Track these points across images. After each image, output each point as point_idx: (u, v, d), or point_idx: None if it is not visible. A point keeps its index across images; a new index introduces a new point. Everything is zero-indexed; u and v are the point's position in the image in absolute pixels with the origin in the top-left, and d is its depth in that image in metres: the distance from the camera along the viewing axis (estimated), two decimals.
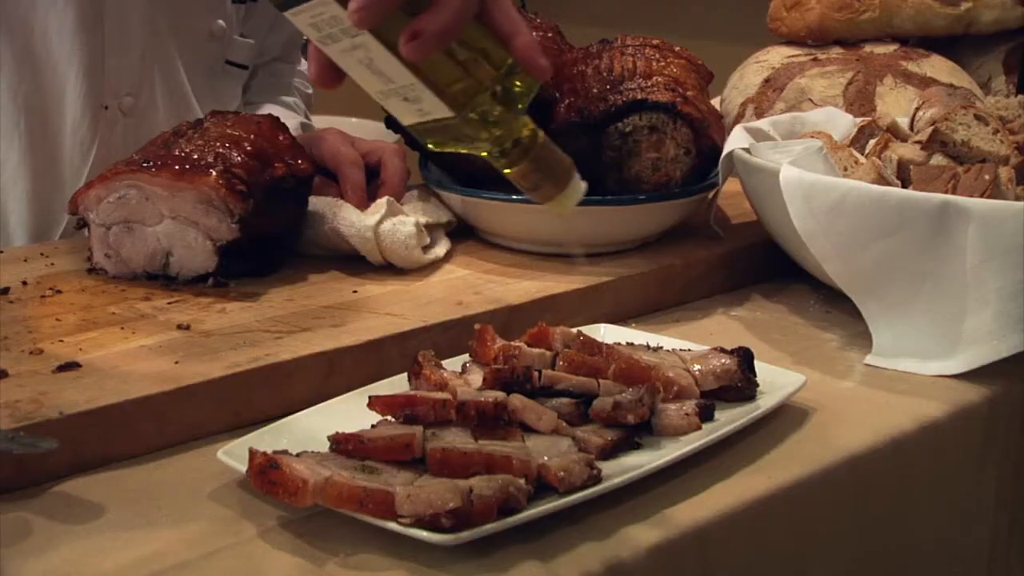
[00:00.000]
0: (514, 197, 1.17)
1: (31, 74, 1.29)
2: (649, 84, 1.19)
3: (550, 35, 1.35)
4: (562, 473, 0.76)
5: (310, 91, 1.67)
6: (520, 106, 0.79)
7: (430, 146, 0.81)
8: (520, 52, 0.78)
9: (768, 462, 0.87)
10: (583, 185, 0.82)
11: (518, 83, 0.79)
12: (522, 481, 0.75)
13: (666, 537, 0.77)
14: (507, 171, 0.80)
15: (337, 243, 1.14)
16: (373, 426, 0.83)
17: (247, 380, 0.90)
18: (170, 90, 1.39)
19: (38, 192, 1.33)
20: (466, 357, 0.94)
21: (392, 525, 0.72)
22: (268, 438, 0.82)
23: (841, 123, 1.25)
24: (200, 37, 1.41)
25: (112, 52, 1.31)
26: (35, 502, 0.79)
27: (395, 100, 0.78)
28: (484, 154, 0.79)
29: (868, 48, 1.45)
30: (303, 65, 1.65)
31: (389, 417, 0.84)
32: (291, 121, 1.46)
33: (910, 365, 1.02)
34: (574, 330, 0.96)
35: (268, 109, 1.51)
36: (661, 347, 0.97)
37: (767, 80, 1.43)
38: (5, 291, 1.06)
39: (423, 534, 0.71)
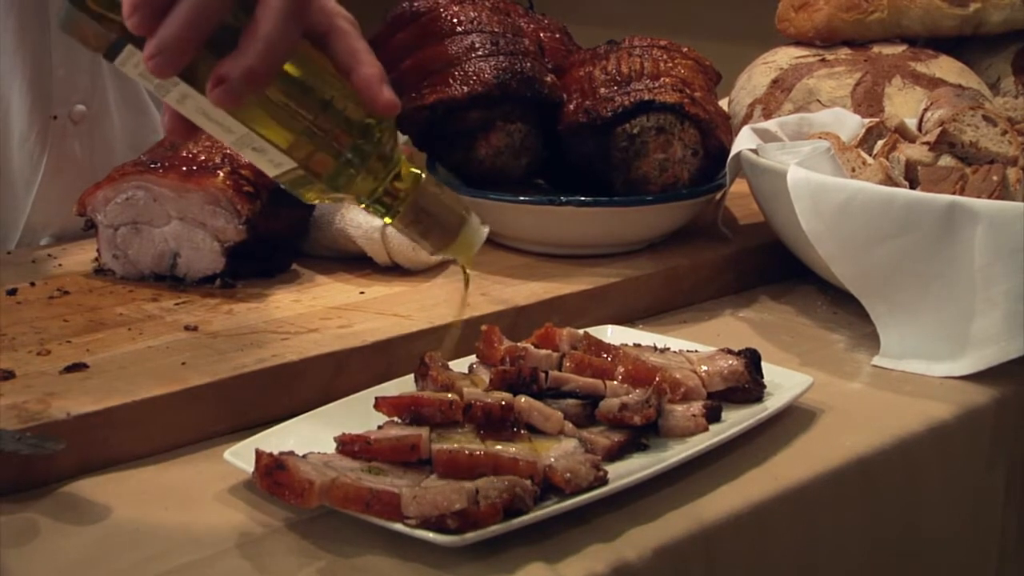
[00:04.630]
0: (521, 198, 1.17)
1: None
2: (657, 85, 1.19)
3: (558, 36, 1.35)
4: (568, 474, 0.76)
5: None
6: (383, 149, 0.72)
7: (306, 199, 0.74)
8: (359, 87, 0.71)
9: (775, 463, 0.87)
10: (483, 230, 0.77)
11: (370, 122, 0.72)
12: (528, 482, 0.75)
13: (672, 538, 0.77)
14: (387, 221, 0.74)
15: (344, 244, 1.14)
16: (379, 427, 0.83)
17: (254, 381, 0.90)
18: (124, 96, 1.35)
19: None
20: (473, 358, 0.94)
21: (398, 526, 0.72)
22: (274, 439, 0.82)
23: (849, 124, 1.25)
24: None
25: (61, 62, 1.27)
26: (42, 503, 0.80)
27: (247, 151, 0.72)
28: (362, 205, 0.74)
29: (876, 49, 1.44)
30: None
31: (395, 418, 0.84)
32: None
33: (918, 366, 1.02)
34: (581, 331, 0.95)
35: None
36: (668, 348, 0.97)
37: (775, 81, 1.43)
38: (13, 292, 1.07)
39: (429, 535, 0.71)
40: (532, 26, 1.30)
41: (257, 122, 0.70)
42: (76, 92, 1.30)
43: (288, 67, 0.69)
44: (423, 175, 0.74)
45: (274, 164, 0.71)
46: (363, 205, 0.74)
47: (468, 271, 0.81)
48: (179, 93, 0.69)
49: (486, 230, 0.77)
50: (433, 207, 0.74)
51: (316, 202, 0.73)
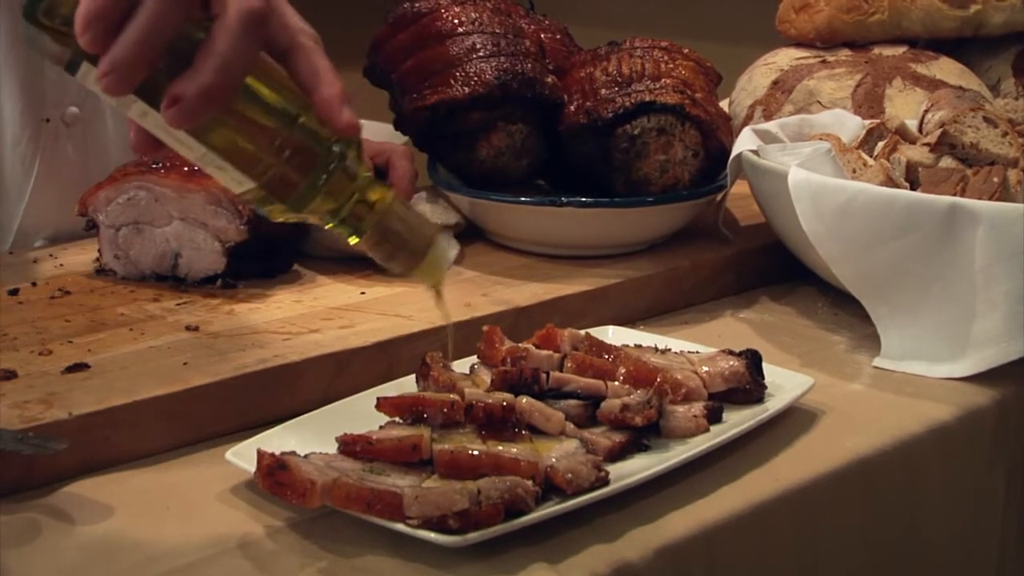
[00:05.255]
0: (523, 199, 1.17)
1: None
2: (657, 86, 1.19)
3: (559, 37, 1.35)
4: (570, 475, 0.76)
5: None
6: (346, 169, 0.71)
7: (272, 218, 0.73)
8: (318, 107, 0.69)
9: (776, 464, 0.87)
10: (453, 251, 0.75)
11: (333, 142, 0.70)
12: (530, 483, 0.75)
13: (674, 539, 0.77)
14: (352, 241, 0.73)
15: (345, 245, 1.13)
16: (381, 427, 0.83)
17: (255, 381, 0.90)
18: None
19: None
20: (474, 359, 0.94)
21: (400, 526, 0.72)
22: (276, 439, 0.82)
23: (850, 125, 1.25)
24: None
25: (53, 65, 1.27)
26: (44, 502, 0.80)
27: (211, 169, 0.70)
28: (328, 225, 0.72)
29: (877, 50, 1.44)
30: None
31: (397, 418, 0.84)
32: None
33: (918, 368, 1.02)
34: (582, 332, 0.96)
35: None
36: (669, 349, 0.97)
37: (775, 82, 1.43)
38: (14, 292, 1.07)
39: (431, 535, 0.72)
40: (533, 27, 1.30)
41: (216, 141, 0.69)
42: (68, 95, 1.29)
43: (247, 85, 0.68)
44: (390, 195, 0.73)
45: (236, 182, 0.70)
46: (329, 225, 0.72)
47: (437, 291, 0.79)
48: (139, 109, 0.68)
49: (455, 251, 0.75)
50: (400, 227, 0.73)
51: (282, 220, 0.72)
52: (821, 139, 1.18)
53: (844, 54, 1.45)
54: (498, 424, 0.82)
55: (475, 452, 0.77)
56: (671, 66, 1.22)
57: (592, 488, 0.77)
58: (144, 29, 0.64)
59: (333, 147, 0.70)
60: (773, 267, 1.23)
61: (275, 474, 0.75)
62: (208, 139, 0.68)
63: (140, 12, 0.64)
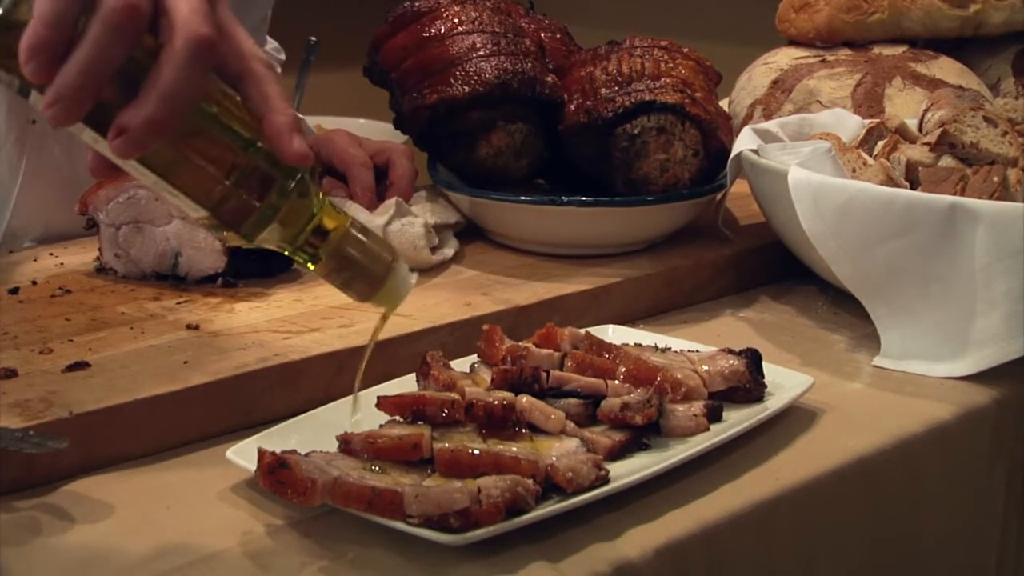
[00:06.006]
0: (522, 198, 1.17)
1: None
2: (657, 85, 1.19)
3: (559, 36, 1.35)
4: (570, 474, 0.76)
5: (278, 69, 1.63)
6: (299, 198, 0.69)
7: (231, 244, 0.73)
8: (268, 136, 0.68)
9: (776, 463, 0.87)
10: (411, 279, 0.74)
11: (284, 171, 0.69)
12: (530, 481, 0.75)
13: (674, 538, 0.77)
14: (310, 268, 0.72)
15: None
16: (381, 426, 0.83)
17: (256, 380, 0.90)
18: None
19: None
20: (474, 358, 0.94)
21: (400, 525, 0.73)
22: (277, 438, 0.82)
23: (849, 125, 1.25)
24: None
25: None
26: (44, 501, 0.80)
27: (165, 195, 0.69)
28: (286, 252, 0.71)
29: (877, 50, 1.44)
30: (269, 45, 1.60)
31: (397, 417, 0.84)
32: None
33: (918, 367, 1.02)
34: (582, 331, 0.96)
35: None
36: (669, 348, 0.97)
37: (775, 81, 1.43)
38: (15, 291, 1.07)
39: (431, 534, 0.72)
40: (533, 26, 1.30)
41: (167, 169, 0.67)
42: None
43: (199, 112, 0.67)
44: (346, 222, 0.71)
45: (191, 209, 0.69)
46: (286, 252, 0.71)
47: (386, 317, 0.78)
48: (90, 136, 0.67)
49: (414, 279, 0.74)
50: (357, 255, 0.72)
51: (239, 245, 0.71)
52: (821, 138, 1.18)
53: (844, 53, 1.45)
54: (498, 423, 0.82)
55: (475, 451, 0.78)
56: (671, 65, 1.22)
57: (592, 487, 0.77)
58: (86, 60, 0.62)
59: (288, 174, 0.69)
60: (773, 266, 1.23)
61: (276, 473, 0.75)
62: (159, 167, 0.67)
63: (83, 42, 0.63)
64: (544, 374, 0.87)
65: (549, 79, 1.22)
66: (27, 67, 0.63)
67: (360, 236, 0.72)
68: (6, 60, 0.64)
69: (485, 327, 0.95)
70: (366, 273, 0.72)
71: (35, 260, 1.16)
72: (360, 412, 0.82)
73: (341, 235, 0.71)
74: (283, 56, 1.64)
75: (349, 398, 0.88)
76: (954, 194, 1.04)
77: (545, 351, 0.92)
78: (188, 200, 0.69)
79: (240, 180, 0.68)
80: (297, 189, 0.69)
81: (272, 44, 1.61)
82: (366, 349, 0.80)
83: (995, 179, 1.06)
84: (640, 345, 0.97)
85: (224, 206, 0.68)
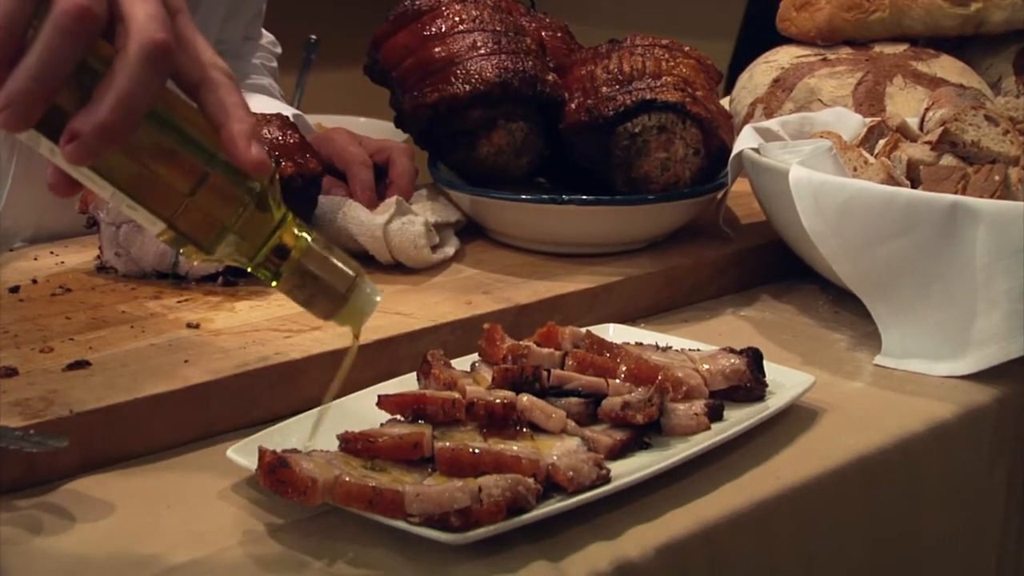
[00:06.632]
0: (523, 197, 1.17)
1: None
2: (658, 84, 1.19)
3: (559, 35, 1.35)
4: (571, 473, 0.76)
5: (274, 64, 1.62)
6: (259, 211, 0.67)
7: (191, 259, 0.70)
8: (225, 145, 0.66)
9: (777, 462, 0.87)
10: (376, 297, 0.71)
11: (244, 182, 0.67)
12: (531, 481, 0.75)
13: (674, 537, 0.77)
14: (273, 284, 0.69)
15: (346, 242, 1.14)
16: (382, 425, 0.83)
17: (256, 379, 0.90)
18: None
19: None
20: (475, 356, 0.94)
21: (401, 524, 0.73)
22: (277, 437, 0.82)
23: (850, 123, 1.25)
24: None
25: None
26: (45, 500, 0.80)
27: (124, 208, 0.67)
28: (248, 268, 0.69)
29: (878, 48, 1.44)
30: (265, 39, 1.59)
31: (398, 416, 0.84)
32: (286, 111, 1.43)
33: (919, 366, 1.02)
34: (583, 330, 0.96)
35: (251, 100, 1.47)
36: (670, 347, 0.97)
37: (776, 80, 1.43)
38: (15, 289, 1.07)
39: (432, 533, 0.72)
40: (534, 25, 1.30)
41: (124, 180, 0.66)
42: None
43: (156, 121, 0.65)
44: (310, 237, 0.69)
45: (149, 222, 0.67)
46: (248, 268, 0.69)
47: (356, 340, 0.75)
48: (47, 146, 0.65)
49: (379, 297, 0.72)
50: (320, 271, 0.69)
51: (198, 262, 0.69)
52: (822, 137, 1.18)
53: (845, 52, 1.45)
54: (499, 422, 0.82)
55: (476, 450, 0.78)
56: (672, 64, 1.22)
57: (593, 486, 0.77)
58: (37, 64, 0.61)
59: (247, 187, 0.67)
60: (774, 265, 1.23)
61: (276, 472, 0.75)
62: (116, 178, 0.66)
63: (34, 47, 0.62)
64: (545, 373, 0.87)
65: (550, 78, 1.22)
66: None
67: (323, 252, 0.70)
68: None
69: (486, 326, 0.95)
70: (328, 291, 0.70)
71: (35, 259, 1.16)
72: (314, 439, 0.79)
73: (302, 251, 0.69)
74: (279, 50, 1.64)
75: (349, 396, 0.88)
76: (955, 193, 1.04)
77: (546, 350, 0.92)
78: (146, 213, 0.67)
79: (199, 191, 0.66)
80: (259, 201, 0.67)
81: (268, 37, 1.61)
82: (337, 374, 0.76)
83: (996, 178, 1.06)
84: (641, 344, 0.97)
85: (182, 220, 0.67)
